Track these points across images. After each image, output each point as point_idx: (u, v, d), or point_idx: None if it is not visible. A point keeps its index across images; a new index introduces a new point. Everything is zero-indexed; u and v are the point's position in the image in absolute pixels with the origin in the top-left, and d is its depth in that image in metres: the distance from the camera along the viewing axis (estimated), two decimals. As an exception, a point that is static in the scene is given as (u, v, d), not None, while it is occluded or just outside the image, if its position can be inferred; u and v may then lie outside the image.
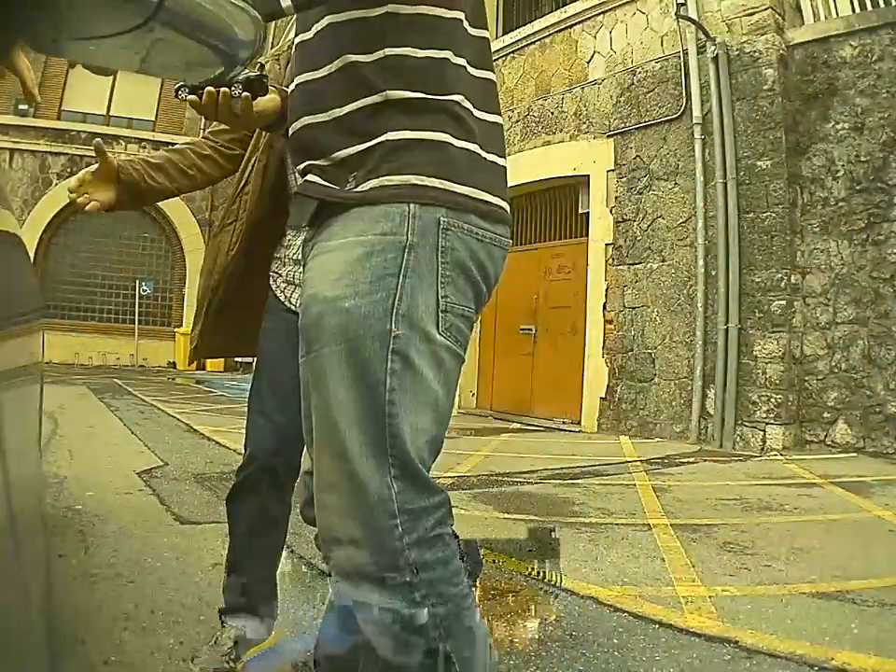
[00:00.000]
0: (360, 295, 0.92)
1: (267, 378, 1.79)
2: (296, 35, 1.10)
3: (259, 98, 1.10)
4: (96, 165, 1.51)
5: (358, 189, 0.97)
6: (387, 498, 0.91)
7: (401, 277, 0.93)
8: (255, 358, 1.84)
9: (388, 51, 0.98)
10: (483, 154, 1.03)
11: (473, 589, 0.99)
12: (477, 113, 1.03)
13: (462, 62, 1.02)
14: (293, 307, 1.74)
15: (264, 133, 1.73)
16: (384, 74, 0.97)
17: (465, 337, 1.00)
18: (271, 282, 1.82)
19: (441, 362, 0.96)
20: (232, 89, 1.07)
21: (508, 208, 1.06)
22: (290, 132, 1.09)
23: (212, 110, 1.08)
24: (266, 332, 1.81)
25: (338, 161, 1.00)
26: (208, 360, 14.06)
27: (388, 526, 0.91)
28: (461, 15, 1.02)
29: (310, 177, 1.04)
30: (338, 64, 1.00)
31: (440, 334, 0.95)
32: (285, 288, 1.79)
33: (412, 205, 0.95)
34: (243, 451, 1.81)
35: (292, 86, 1.10)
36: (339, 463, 0.93)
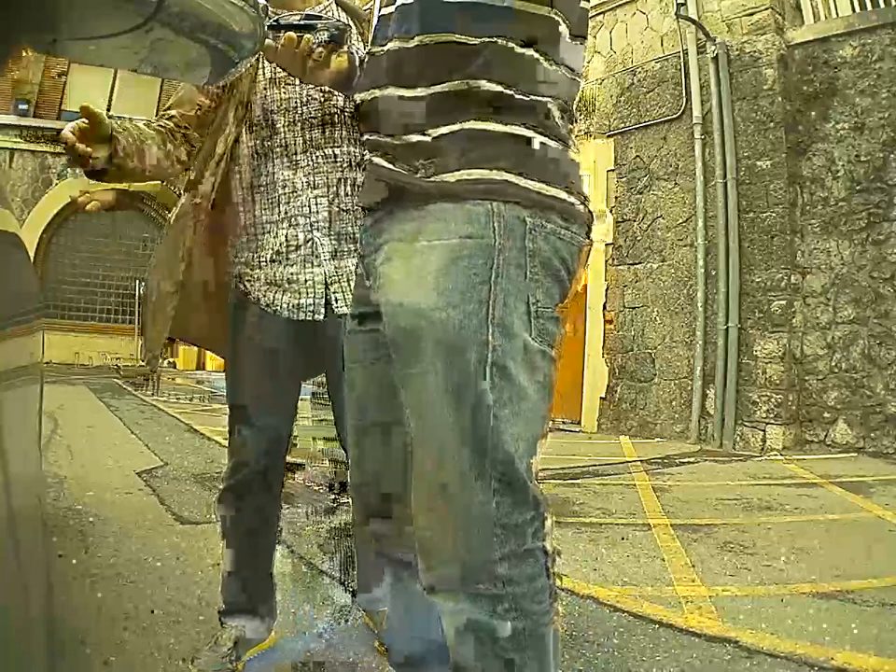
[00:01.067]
0: (453, 305, 0.88)
1: (249, 386, 1.75)
2: (380, 6, 1.04)
3: (337, 52, 1.05)
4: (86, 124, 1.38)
5: (433, 179, 0.92)
6: (488, 515, 0.91)
7: (492, 284, 0.89)
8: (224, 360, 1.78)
9: (494, 40, 0.93)
10: (565, 150, 0.99)
11: (554, 606, 0.99)
12: (563, 116, 1.00)
13: (558, 66, 0.99)
14: (280, 310, 1.66)
15: (237, 107, 1.66)
16: (483, 62, 0.92)
17: (555, 338, 0.96)
18: (240, 283, 1.70)
19: (536, 368, 0.94)
20: (316, 35, 1.02)
21: (588, 205, 1.01)
22: (361, 98, 1.03)
23: (287, 57, 1.02)
24: (241, 339, 1.72)
25: (412, 143, 0.95)
26: (208, 360, 14.09)
27: (486, 543, 0.91)
28: (566, 23, 0.99)
29: (377, 160, 0.99)
30: (434, 39, 0.94)
31: (533, 340, 0.93)
32: (266, 291, 1.67)
33: (494, 203, 0.90)
34: (227, 457, 1.80)
35: (369, 49, 1.04)
36: (439, 479, 0.93)
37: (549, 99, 0.97)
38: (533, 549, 0.95)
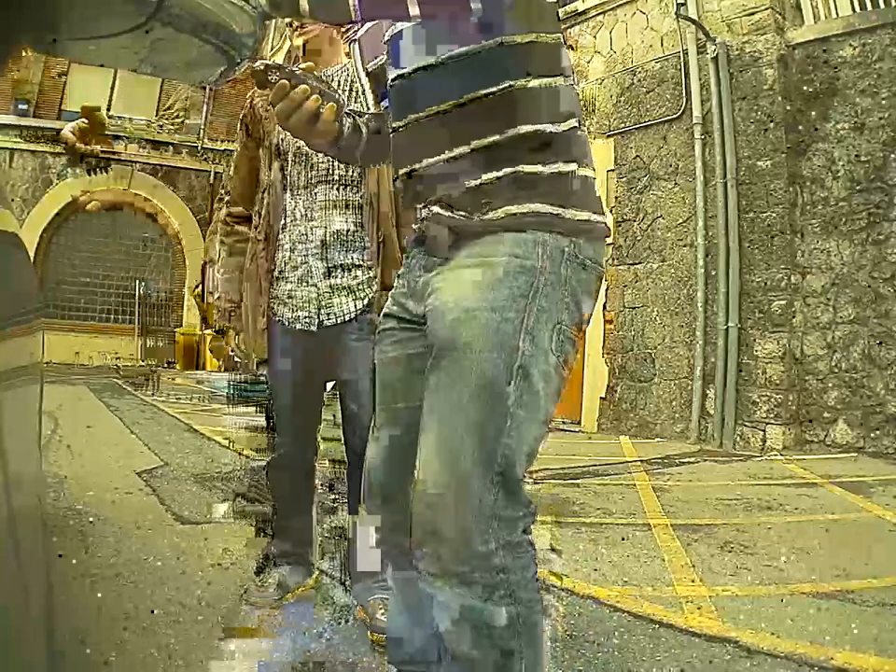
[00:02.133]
0: (496, 310, 1.00)
1: (277, 382, 2.18)
2: (390, 75, 1.13)
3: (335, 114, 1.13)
4: None
5: (489, 216, 1.04)
6: (488, 504, 0.99)
7: (531, 299, 1.01)
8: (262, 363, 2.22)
9: (524, 83, 1.04)
10: (591, 175, 1.11)
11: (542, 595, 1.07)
12: (583, 130, 1.11)
13: (571, 82, 1.10)
14: (283, 320, 2.10)
15: (269, 145, 2.10)
16: (516, 106, 1.03)
17: (571, 359, 1.08)
18: (276, 307, 2.13)
19: (551, 380, 1.04)
20: (324, 97, 1.10)
21: (607, 222, 1.13)
22: (408, 172, 1.13)
23: (290, 107, 1.08)
24: (278, 351, 2.16)
25: (469, 189, 1.05)
26: (208, 361, 14.07)
27: (482, 530, 0.99)
28: (561, 39, 1.09)
29: (436, 209, 1.08)
30: (466, 98, 1.04)
31: (553, 354, 1.03)
32: (275, 305, 2.12)
33: (540, 233, 1.03)
34: (276, 435, 2.26)
35: (399, 122, 1.13)
36: (450, 464, 1.00)
37: (576, 119, 1.08)
38: (524, 541, 1.04)
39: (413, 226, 1.21)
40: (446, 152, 1.07)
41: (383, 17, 1.11)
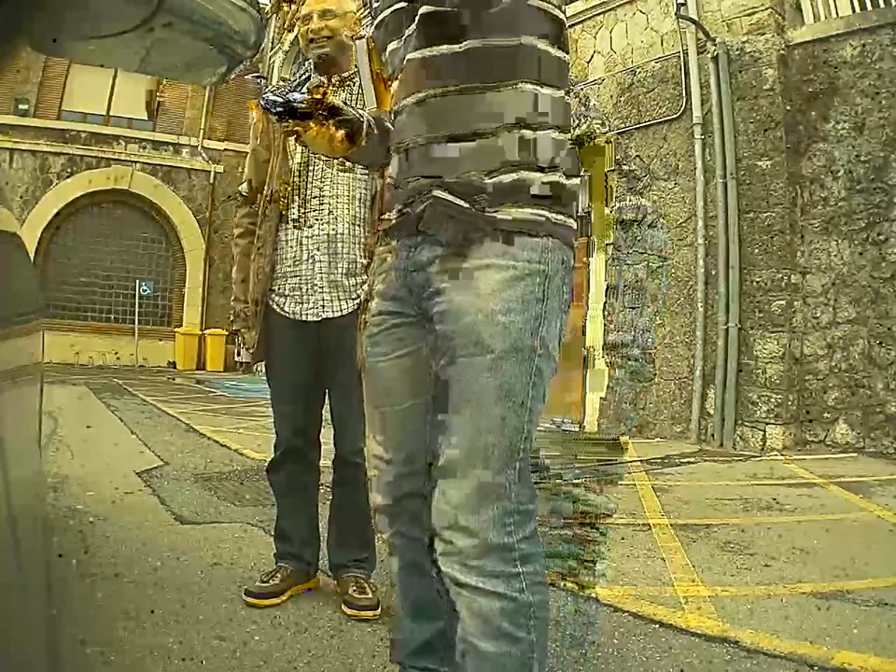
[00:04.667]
0: (514, 312, 1.04)
1: (284, 381, 2.25)
2: (413, 50, 1.13)
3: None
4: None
5: (498, 215, 1.06)
6: (508, 498, 1.04)
7: (543, 302, 1.06)
8: (263, 363, 2.29)
9: (528, 87, 1.07)
10: (578, 184, 1.15)
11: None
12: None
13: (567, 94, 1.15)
14: (300, 318, 2.17)
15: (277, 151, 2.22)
16: (530, 110, 1.07)
17: (558, 358, 1.14)
18: (278, 301, 2.21)
19: (550, 379, 1.11)
20: (335, 125, 1.16)
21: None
22: (408, 148, 1.13)
23: (312, 138, 1.17)
24: (276, 343, 2.22)
25: (472, 183, 1.07)
26: (208, 360, 14.07)
27: (505, 523, 1.04)
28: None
29: (438, 193, 1.09)
30: (473, 86, 1.07)
31: (551, 353, 1.10)
32: (284, 304, 2.20)
33: (546, 239, 1.07)
34: (275, 435, 2.32)
35: (411, 99, 1.14)
36: (473, 460, 1.04)
37: (567, 133, 1.13)
38: (536, 533, 1.09)
39: (391, 214, 1.19)
40: (447, 133, 1.08)
41: None
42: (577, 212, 1.15)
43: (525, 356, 1.04)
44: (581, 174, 1.17)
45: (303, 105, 1.14)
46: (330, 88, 1.20)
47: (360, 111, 1.25)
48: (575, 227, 1.13)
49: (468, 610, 1.05)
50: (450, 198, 1.08)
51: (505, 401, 1.04)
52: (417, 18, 1.10)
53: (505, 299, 1.04)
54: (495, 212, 1.05)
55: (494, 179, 1.06)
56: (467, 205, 1.06)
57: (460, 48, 1.07)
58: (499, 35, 1.07)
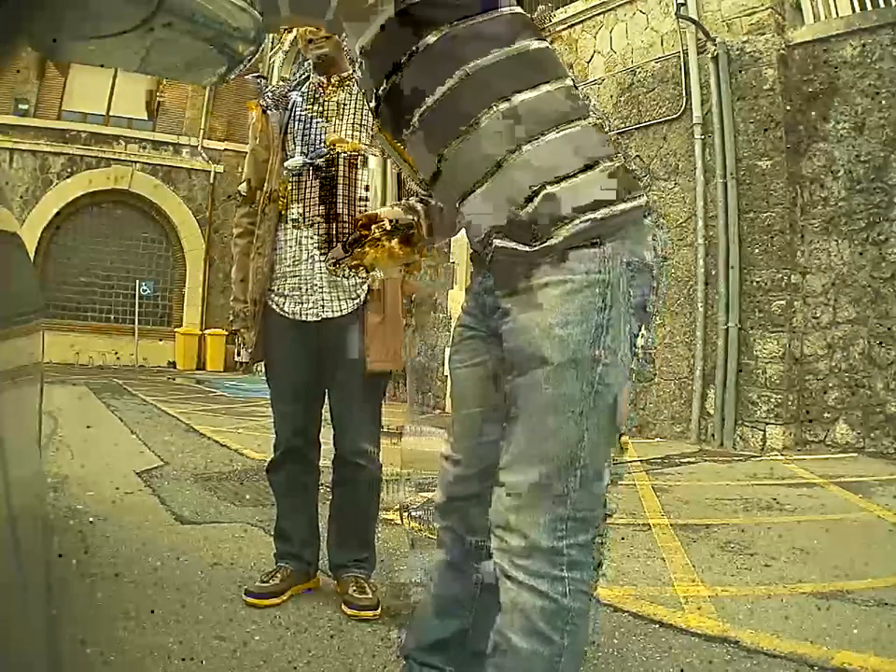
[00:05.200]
0: (572, 324, 1.06)
1: (284, 381, 2.24)
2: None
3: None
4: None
5: (551, 242, 1.06)
6: (563, 504, 1.07)
7: (605, 311, 1.07)
8: (263, 363, 2.28)
9: (504, 105, 1.07)
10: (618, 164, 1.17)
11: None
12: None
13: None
14: (299, 318, 2.18)
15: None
16: (519, 123, 1.07)
17: (630, 363, 1.15)
18: (277, 301, 2.22)
19: (620, 385, 1.12)
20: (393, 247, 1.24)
21: (642, 200, 1.16)
22: (455, 204, 1.17)
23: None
24: (275, 343, 2.23)
25: (516, 221, 1.08)
26: (208, 360, 14.07)
27: (556, 527, 1.07)
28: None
29: (498, 242, 1.11)
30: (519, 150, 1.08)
31: (621, 360, 1.10)
32: (283, 304, 2.20)
33: (603, 247, 1.07)
34: (275, 435, 2.32)
35: (426, 170, 1.18)
36: (532, 467, 1.08)
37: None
38: (594, 543, 1.12)
39: (472, 248, 1.26)
40: (471, 184, 1.11)
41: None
42: (629, 184, 1.12)
43: (585, 366, 1.06)
44: (616, 148, 1.16)
45: (350, 240, 1.24)
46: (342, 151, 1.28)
47: (411, 216, 1.31)
48: (637, 204, 1.11)
49: (511, 603, 1.08)
50: (507, 244, 1.10)
51: (562, 411, 1.07)
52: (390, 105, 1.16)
53: (563, 312, 1.06)
54: (548, 239, 1.06)
55: (528, 209, 1.06)
56: (524, 247, 1.08)
57: (429, 112, 1.10)
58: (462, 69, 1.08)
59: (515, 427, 1.11)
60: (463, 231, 1.24)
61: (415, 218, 1.31)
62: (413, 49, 1.09)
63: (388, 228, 1.27)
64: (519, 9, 1.15)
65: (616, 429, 1.14)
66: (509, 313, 1.12)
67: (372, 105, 1.20)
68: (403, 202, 1.38)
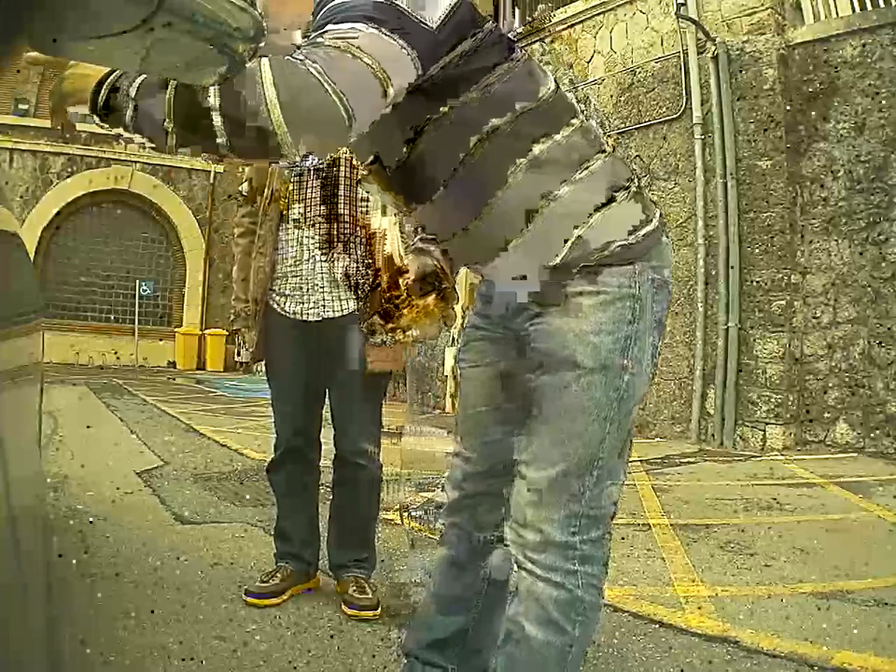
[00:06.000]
0: (604, 333, 1.11)
1: (284, 381, 2.25)
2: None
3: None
4: None
5: (577, 287, 1.12)
6: (579, 501, 1.12)
7: (635, 323, 1.13)
8: (263, 363, 2.30)
9: (520, 162, 1.11)
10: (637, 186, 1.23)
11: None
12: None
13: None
14: (288, 313, 2.19)
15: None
16: (536, 180, 1.11)
17: (651, 373, 1.21)
18: (278, 300, 2.22)
19: (641, 393, 1.17)
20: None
21: (657, 218, 1.23)
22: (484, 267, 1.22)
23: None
24: (276, 343, 2.23)
25: (557, 265, 1.12)
26: (208, 360, 14.07)
27: (570, 523, 1.12)
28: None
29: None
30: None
31: (644, 370, 1.16)
32: (284, 304, 2.21)
33: (634, 265, 1.14)
34: (275, 435, 2.32)
35: (444, 236, 1.23)
36: (551, 465, 1.12)
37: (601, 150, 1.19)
38: (607, 539, 1.17)
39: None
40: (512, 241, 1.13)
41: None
42: (649, 207, 1.18)
43: (614, 373, 1.11)
44: (634, 171, 1.22)
45: (384, 307, 1.29)
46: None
47: (432, 262, 1.32)
48: (658, 224, 1.18)
49: (526, 592, 1.12)
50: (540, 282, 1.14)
51: (588, 414, 1.11)
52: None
53: (596, 321, 1.11)
54: (577, 282, 1.12)
55: (560, 255, 1.11)
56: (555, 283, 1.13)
57: (442, 189, 1.14)
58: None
59: (539, 425, 1.14)
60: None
61: (437, 264, 1.32)
62: (427, 118, 1.10)
63: (417, 282, 1.30)
64: (520, 53, 1.16)
65: (631, 433, 1.18)
66: (540, 315, 1.15)
67: (367, 163, 1.20)
68: (411, 244, 1.38)
